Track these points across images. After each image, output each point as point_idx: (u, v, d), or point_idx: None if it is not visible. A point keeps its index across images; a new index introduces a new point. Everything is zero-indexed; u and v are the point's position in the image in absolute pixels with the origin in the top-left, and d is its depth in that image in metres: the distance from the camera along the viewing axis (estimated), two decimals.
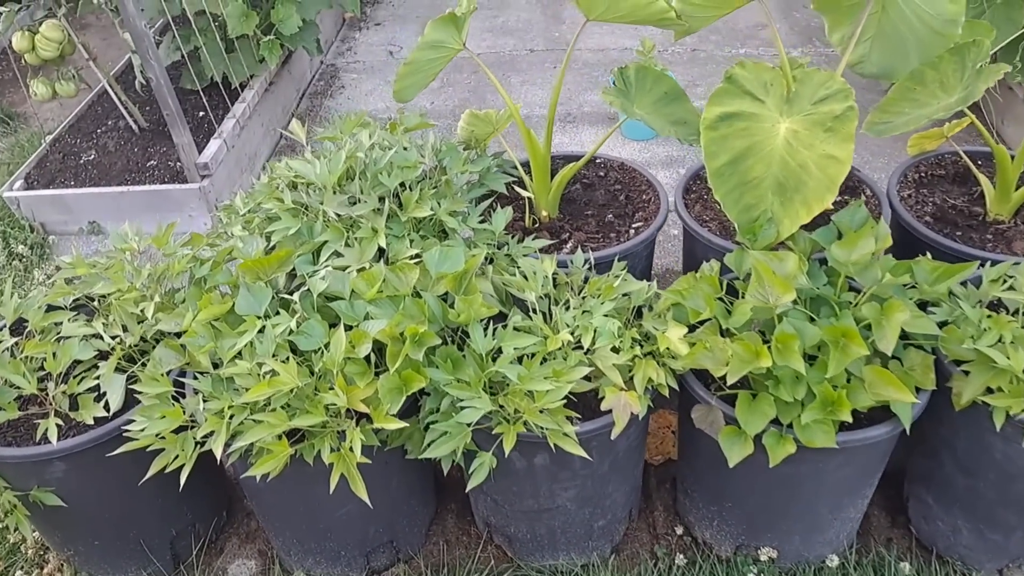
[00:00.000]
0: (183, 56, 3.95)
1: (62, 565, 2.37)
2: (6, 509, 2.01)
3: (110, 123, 4.06)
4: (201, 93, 3.98)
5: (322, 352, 1.86)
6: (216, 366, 1.96)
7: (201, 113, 4.02)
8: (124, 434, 1.90)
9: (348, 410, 1.84)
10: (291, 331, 1.89)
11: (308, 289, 1.99)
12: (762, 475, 1.95)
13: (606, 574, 2.27)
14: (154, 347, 2.14)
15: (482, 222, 2.31)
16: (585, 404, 2.01)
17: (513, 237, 2.34)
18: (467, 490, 2.03)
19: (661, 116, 2.36)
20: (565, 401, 1.84)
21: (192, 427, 1.89)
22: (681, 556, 2.30)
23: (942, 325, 1.99)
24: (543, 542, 2.23)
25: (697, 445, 2.13)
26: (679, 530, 2.38)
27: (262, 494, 2.09)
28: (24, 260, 3.51)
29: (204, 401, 1.87)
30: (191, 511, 2.31)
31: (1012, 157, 2.37)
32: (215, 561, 2.40)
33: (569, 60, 2.36)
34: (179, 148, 3.42)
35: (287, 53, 4.40)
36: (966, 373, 1.89)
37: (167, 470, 1.85)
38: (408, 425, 1.86)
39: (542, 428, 1.83)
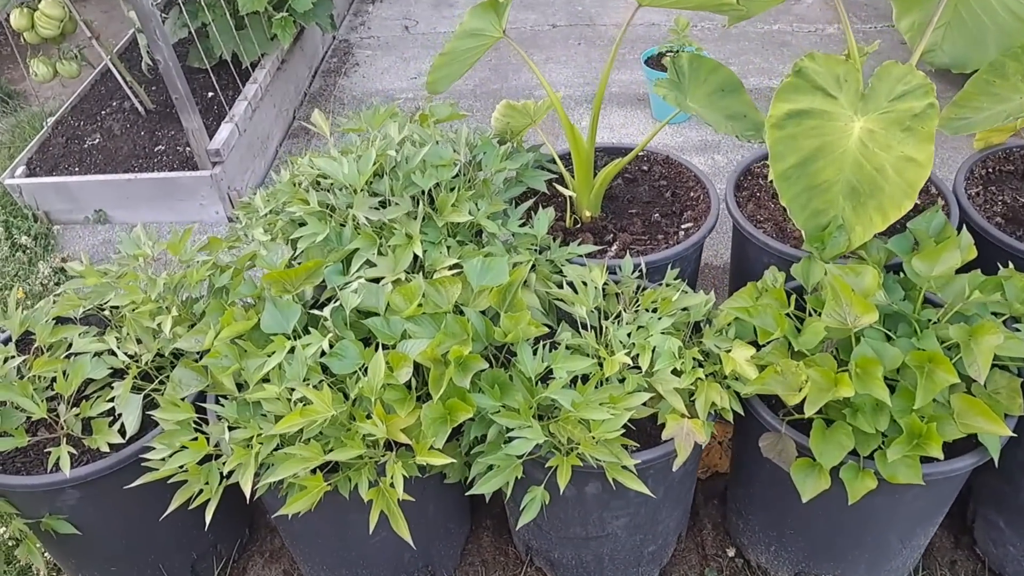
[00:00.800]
0: (191, 33, 3.75)
1: None
2: (16, 538, 1.86)
3: (115, 104, 3.87)
4: (211, 72, 3.78)
5: (358, 376, 1.70)
6: (241, 387, 1.81)
7: (211, 94, 3.83)
8: (142, 462, 1.74)
9: (387, 440, 1.69)
10: (323, 352, 1.73)
11: (340, 304, 1.82)
12: (830, 505, 1.80)
13: None
14: (172, 363, 1.99)
15: (522, 224, 2.15)
16: (640, 427, 1.86)
17: (554, 240, 2.17)
18: (517, 528, 1.88)
19: (717, 110, 2.18)
20: (623, 431, 1.69)
21: (217, 457, 1.73)
22: None
23: None
24: (589, 568, 2.08)
25: (756, 468, 1.98)
26: (731, 552, 2.24)
27: (291, 522, 1.94)
28: (28, 252, 3.34)
29: (229, 429, 1.71)
30: (212, 533, 2.16)
31: None
32: None
33: (617, 46, 2.17)
34: (189, 134, 3.24)
35: (299, 29, 4.19)
36: None
37: (191, 506, 1.70)
38: (454, 461, 1.70)
39: (599, 460, 1.68)
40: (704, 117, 2.14)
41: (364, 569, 2.04)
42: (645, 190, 2.49)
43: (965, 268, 1.98)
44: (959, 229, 2.22)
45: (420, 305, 1.79)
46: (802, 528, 1.97)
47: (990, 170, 2.47)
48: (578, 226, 2.37)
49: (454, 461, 1.65)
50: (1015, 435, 1.69)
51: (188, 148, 3.48)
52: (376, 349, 1.73)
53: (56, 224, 3.52)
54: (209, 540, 2.17)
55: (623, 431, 1.69)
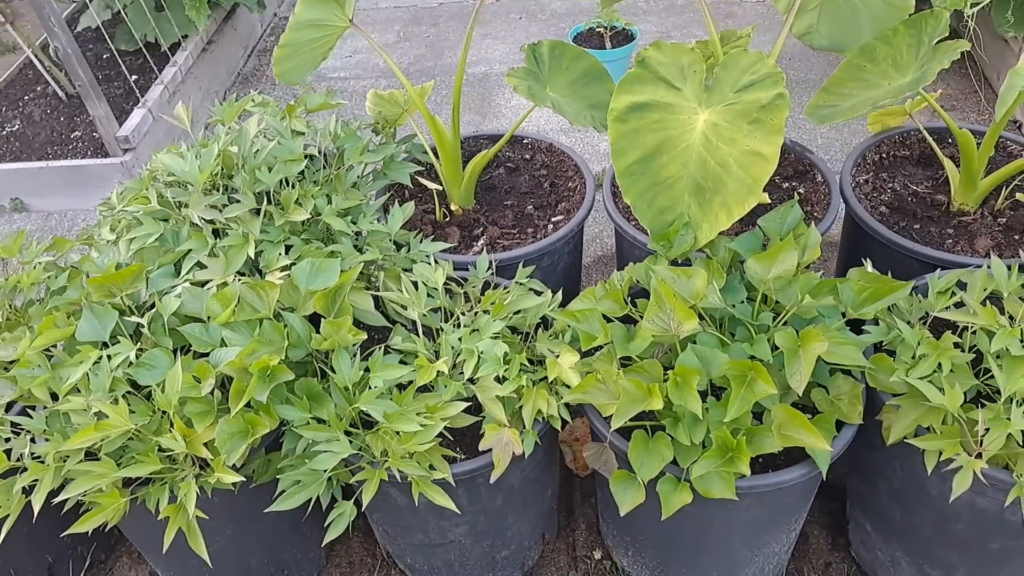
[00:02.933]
0: (119, 12, 3.68)
1: None
2: None
3: (39, 89, 3.82)
4: (118, 58, 3.71)
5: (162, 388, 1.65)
6: (56, 397, 1.76)
7: (135, 77, 3.77)
8: None
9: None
10: (131, 362, 1.68)
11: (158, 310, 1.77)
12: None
13: None
14: (6, 370, 1.95)
15: (381, 220, 2.08)
16: (474, 434, 1.80)
17: (418, 234, 2.10)
18: (322, 544, 1.83)
19: (579, 99, 2.09)
20: (440, 440, 1.63)
21: (23, 471, 1.69)
22: None
23: (877, 347, 1.76)
24: (441, 573, 2.04)
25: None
26: (598, 554, 2.19)
27: (126, 527, 1.91)
28: None
29: (32, 442, 1.67)
30: (69, 535, 2.14)
31: (978, 143, 2.09)
32: None
33: (474, 21, 2.08)
34: (96, 121, 3.19)
35: (231, 7, 4.11)
36: (899, 405, 1.65)
37: None
38: (242, 479, 1.63)
39: (406, 475, 1.62)
40: (561, 108, 2.05)
41: (212, 574, 2.01)
42: (525, 180, 2.41)
43: (848, 259, 1.89)
44: (833, 221, 2.14)
45: (235, 311, 1.73)
46: (648, 533, 1.92)
47: (884, 155, 2.37)
48: (448, 219, 2.30)
49: (243, 479, 1.60)
50: (833, 451, 1.60)
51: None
52: (193, 358, 1.68)
53: None
54: (66, 542, 2.14)
55: (439, 441, 1.63)
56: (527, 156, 2.48)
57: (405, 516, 1.86)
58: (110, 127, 3.21)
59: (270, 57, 4.23)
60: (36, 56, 3.59)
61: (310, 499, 1.63)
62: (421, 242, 2.06)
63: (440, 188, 2.26)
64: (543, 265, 2.18)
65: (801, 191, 2.26)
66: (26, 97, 3.78)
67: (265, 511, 1.68)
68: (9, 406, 1.82)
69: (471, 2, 4.55)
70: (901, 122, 2.39)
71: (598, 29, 3.63)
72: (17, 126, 3.60)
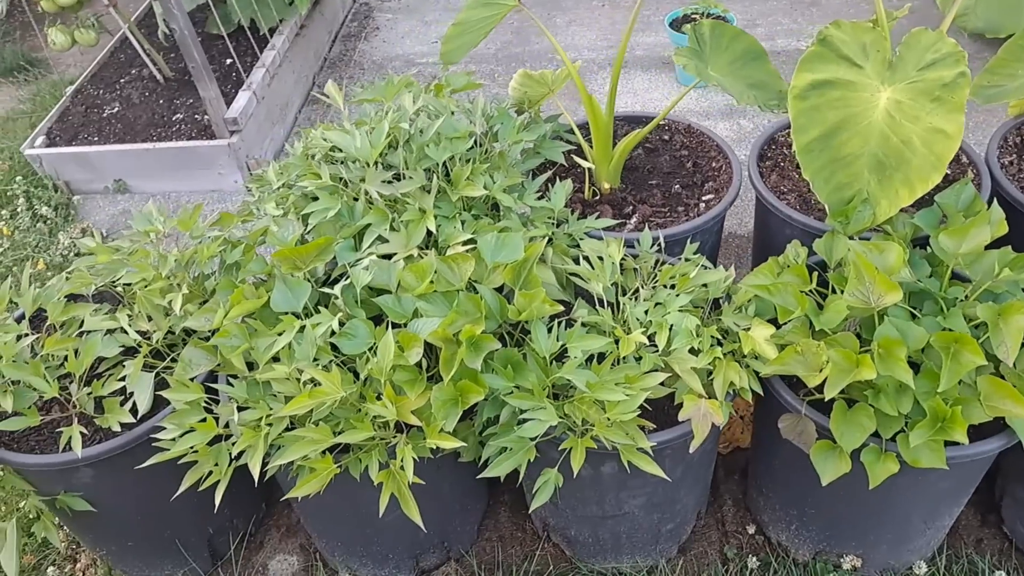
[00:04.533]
0: (208, 0, 3.71)
1: (95, 560, 2.25)
2: (32, 515, 1.87)
3: (134, 72, 3.85)
4: (227, 39, 3.74)
5: (367, 356, 1.68)
6: (251, 367, 1.79)
7: (228, 61, 3.79)
8: (153, 442, 1.74)
9: (398, 421, 1.67)
10: (333, 332, 1.70)
11: (350, 281, 1.79)
12: (852, 484, 1.76)
13: None
14: (184, 341, 1.98)
15: (540, 197, 2.10)
16: (656, 407, 1.83)
17: (572, 212, 2.12)
18: (530, 510, 1.86)
19: (739, 79, 2.11)
20: (639, 411, 1.66)
21: (227, 438, 1.72)
22: (754, 558, 2.13)
23: None
24: (606, 546, 2.06)
25: (776, 446, 1.93)
26: (751, 529, 2.21)
27: (304, 500, 1.93)
28: (49, 222, 3.34)
29: (239, 410, 1.70)
30: (229, 508, 2.17)
31: None
32: (255, 556, 2.27)
33: (638, 9, 2.10)
34: (206, 102, 3.21)
35: None
36: None
37: (201, 487, 1.69)
38: (465, 444, 1.67)
39: (614, 443, 1.65)
40: (725, 86, 2.07)
41: (379, 546, 2.04)
42: (666, 160, 2.43)
43: (998, 243, 1.91)
44: (991, 201, 2.16)
45: (432, 283, 1.75)
46: (823, 508, 1.94)
47: None
48: (597, 198, 2.32)
49: (465, 444, 1.63)
50: None
51: (206, 117, 3.45)
52: (387, 328, 1.70)
53: (76, 194, 3.52)
54: (225, 515, 2.18)
55: (639, 412, 1.66)
56: (665, 137, 2.50)
57: (585, 488, 1.88)
58: (219, 109, 3.24)
59: (355, 43, 4.27)
60: (135, 37, 3.61)
61: (519, 465, 1.66)
62: (578, 219, 2.09)
63: (590, 166, 2.28)
64: (694, 243, 2.20)
65: (948, 172, 2.28)
66: (122, 80, 3.80)
67: (478, 477, 1.70)
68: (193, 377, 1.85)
69: None
70: None
71: (694, 15, 3.65)
72: (117, 108, 3.63)
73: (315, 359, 1.69)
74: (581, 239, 2.00)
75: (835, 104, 1.85)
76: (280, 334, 1.72)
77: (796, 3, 4.20)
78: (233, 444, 1.69)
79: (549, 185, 2.27)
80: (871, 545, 1.97)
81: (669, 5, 4.22)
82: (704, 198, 2.26)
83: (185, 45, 3.06)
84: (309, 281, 1.84)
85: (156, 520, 2.04)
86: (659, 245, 2.01)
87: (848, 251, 1.77)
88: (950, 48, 1.81)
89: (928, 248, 1.85)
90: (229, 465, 1.69)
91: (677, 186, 2.32)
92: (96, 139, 3.48)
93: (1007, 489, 2.09)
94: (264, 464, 1.67)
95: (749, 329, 1.75)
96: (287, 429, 1.69)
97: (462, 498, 2.09)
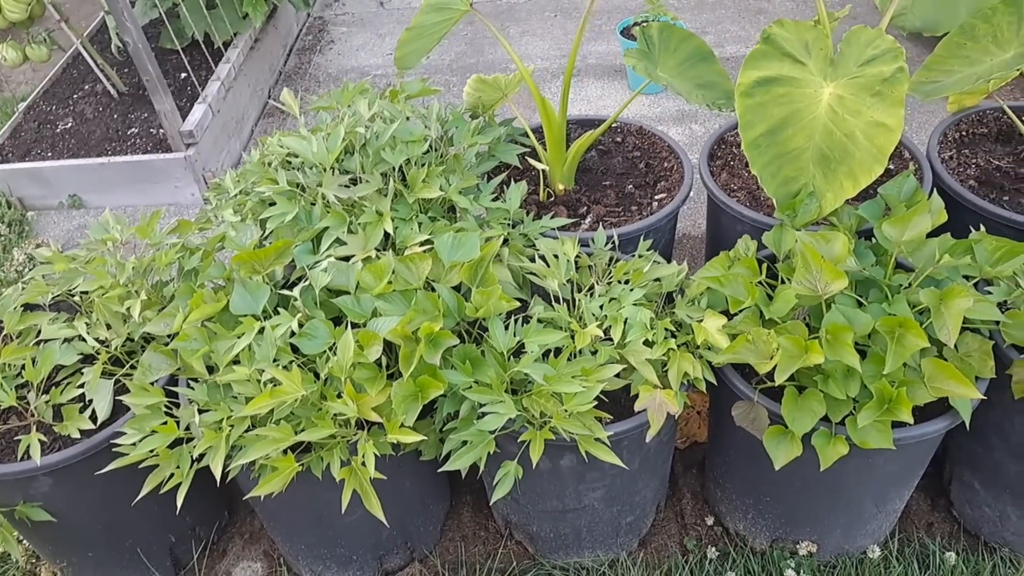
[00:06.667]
0: (161, 14, 3.70)
1: (56, 573, 2.23)
2: None
3: (87, 87, 3.83)
4: (182, 53, 3.74)
5: (328, 356, 1.69)
6: (211, 370, 1.80)
7: (183, 75, 3.78)
8: (114, 448, 1.73)
9: (359, 419, 1.68)
10: (293, 332, 1.72)
11: (309, 283, 1.81)
12: (804, 470, 1.81)
13: (634, 571, 2.14)
14: (143, 348, 1.98)
15: (495, 199, 2.13)
16: (613, 399, 1.86)
17: (528, 214, 2.16)
18: (491, 503, 1.88)
19: (688, 79, 2.17)
20: (596, 402, 1.69)
21: (188, 441, 1.72)
22: (713, 549, 2.16)
23: (1001, 307, 1.84)
24: (567, 540, 2.09)
25: (731, 437, 1.98)
26: (709, 520, 2.25)
27: (267, 502, 1.94)
28: (2, 238, 3.30)
29: (200, 412, 1.70)
30: (190, 515, 2.17)
31: None
32: (218, 564, 2.26)
33: (586, 18, 2.15)
34: (161, 116, 3.21)
35: (272, 7, 4.15)
36: None
37: (163, 490, 1.69)
38: (426, 438, 1.69)
39: (571, 433, 1.68)
40: (674, 87, 2.12)
41: (342, 547, 2.04)
42: (619, 162, 2.48)
43: (937, 232, 1.99)
44: (932, 192, 2.23)
45: (390, 282, 1.77)
46: (777, 494, 1.98)
47: (963, 133, 2.47)
48: (552, 199, 2.36)
49: (425, 439, 1.65)
50: (985, 397, 1.69)
51: (161, 130, 3.44)
52: (346, 328, 1.72)
53: (31, 210, 3.48)
54: (187, 523, 2.17)
55: (596, 403, 1.69)
56: (618, 140, 2.55)
57: (544, 482, 1.91)
58: (175, 122, 3.23)
59: (310, 56, 4.28)
60: (88, 53, 3.60)
61: (479, 458, 1.68)
62: (533, 220, 2.12)
63: (545, 168, 2.32)
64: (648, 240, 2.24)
65: (891, 167, 2.35)
66: (75, 95, 3.78)
67: (438, 471, 1.72)
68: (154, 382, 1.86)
69: (504, 2, 4.61)
70: (977, 101, 2.49)
71: (644, 23, 3.71)
72: (70, 123, 3.61)
73: (275, 360, 1.70)
74: (537, 239, 2.03)
75: (780, 100, 1.91)
76: (240, 336, 1.73)
77: (743, 11, 4.29)
78: (194, 446, 1.69)
79: (504, 187, 2.31)
80: (825, 530, 2.02)
81: (620, 14, 4.30)
82: (657, 197, 2.31)
83: (139, 58, 3.06)
84: (268, 284, 1.86)
85: (117, 529, 2.03)
86: (613, 243, 2.06)
87: (796, 242, 1.82)
88: (888, 44, 1.88)
89: (873, 239, 1.91)
90: (190, 467, 1.69)
91: (630, 186, 2.37)
92: (50, 155, 3.46)
93: (955, 472, 2.15)
94: (226, 465, 1.67)
95: (702, 321, 1.79)
96: (249, 430, 1.70)
97: (424, 498, 2.11)
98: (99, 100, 3.72)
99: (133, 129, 3.52)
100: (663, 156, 2.45)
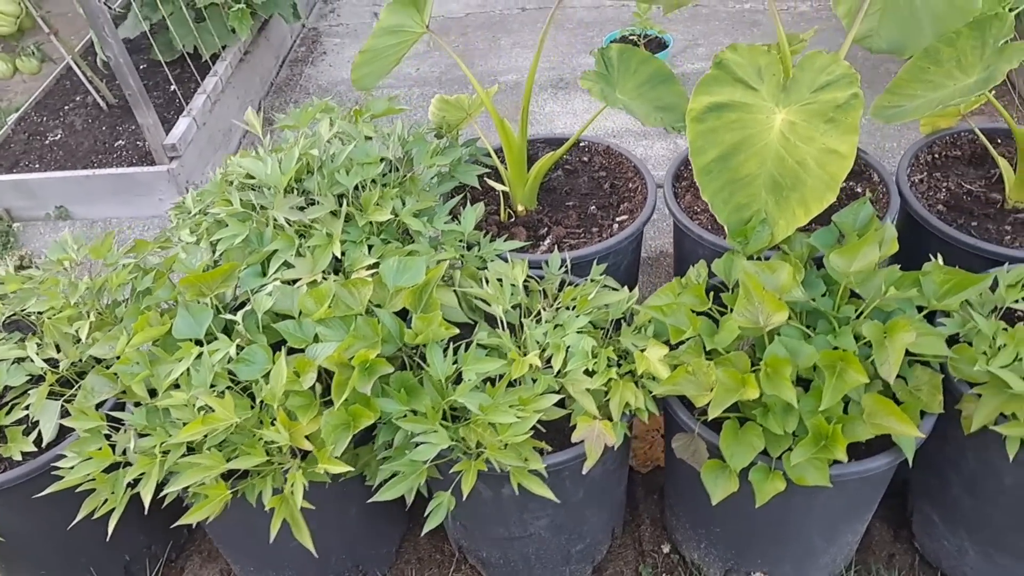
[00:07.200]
0: (145, 30, 3.72)
1: None
2: None
3: (78, 99, 3.86)
4: (166, 68, 3.75)
5: (262, 383, 1.69)
6: (155, 394, 1.80)
7: (173, 87, 3.80)
8: (53, 472, 1.74)
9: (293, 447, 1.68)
10: (231, 358, 1.71)
11: (252, 307, 1.81)
12: (747, 504, 1.78)
13: None
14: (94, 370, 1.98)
15: (454, 219, 2.12)
16: (558, 428, 1.84)
17: (486, 234, 2.14)
18: (422, 533, 1.87)
19: (646, 101, 2.15)
20: (532, 432, 1.67)
21: (127, 465, 1.73)
22: None
23: (952, 340, 1.80)
24: (517, 567, 2.07)
25: (679, 466, 1.95)
26: (666, 548, 2.22)
27: (211, 525, 1.93)
28: None
29: (141, 436, 1.70)
30: (145, 534, 2.17)
31: None
32: None
33: (545, 33, 2.14)
34: (144, 129, 3.23)
35: (264, 19, 4.16)
36: (979, 395, 1.70)
37: (96, 515, 1.69)
38: (352, 469, 1.68)
39: (504, 465, 1.66)
40: (631, 109, 2.10)
41: (291, 570, 2.04)
42: (584, 181, 2.46)
43: (905, 259, 1.94)
44: (894, 219, 2.20)
45: (330, 307, 1.77)
46: (725, 526, 1.96)
47: (936, 156, 2.43)
48: (512, 220, 2.34)
49: (351, 469, 1.64)
50: (924, 436, 1.65)
51: (148, 143, 3.46)
52: (286, 353, 1.72)
53: (17, 221, 3.52)
54: (142, 541, 2.17)
55: (532, 433, 1.67)
56: (584, 159, 2.53)
57: (488, 509, 1.89)
58: (158, 135, 3.25)
59: (302, 67, 4.29)
60: (78, 66, 3.63)
61: (410, 489, 1.67)
62: (491, 242, 2.11)
63: (505, 189, 2.31)
64: (608, 264, 2.22)
65: (859, 190, 2.32)
66: (66, 107, 3.81)
67: (368, 501, 1.71)
68: (100, 404, 1.86)
69: (496, 12, 4.61)
70: (951, 123, 2.45)
71: (631, 37, 3.69)
72: (59, 135, 3.64)
73: (213, 385, 1.70)
74: (491, 261, 2.02)
75: (732, 126, 1.89)
76: (180, 360, 1.73)
77: (738, 23, 4.25)
78: (130, 471, 1.69)
79: (464, 207, 2.29)
80: (775, 563, 1.99)
81: (613, 26, 4.27)
82: (618, 219, 2.29)
83: (121, 72, 3.08)
84: (219, 307, 1.86)
85: (69, 547, 2.03)
86: (566, 267, 2.04)
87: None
88: (844, 70, 1.85)
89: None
90: (125, 493, 1.69)
91: (593, 207, 2.35)
92: (37, 166, 3.49)
93: (915, 504, 2.12)
94: (160, 490, 1.67)
95: (645, 350, 1.77)
96: (188, 454, 1.69)
97: (374, 521, 2.09)
98: (89, 112, 3.75)
99: (120, 141, 3.55)
100: (628, 176, 2.43)
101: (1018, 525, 1.84)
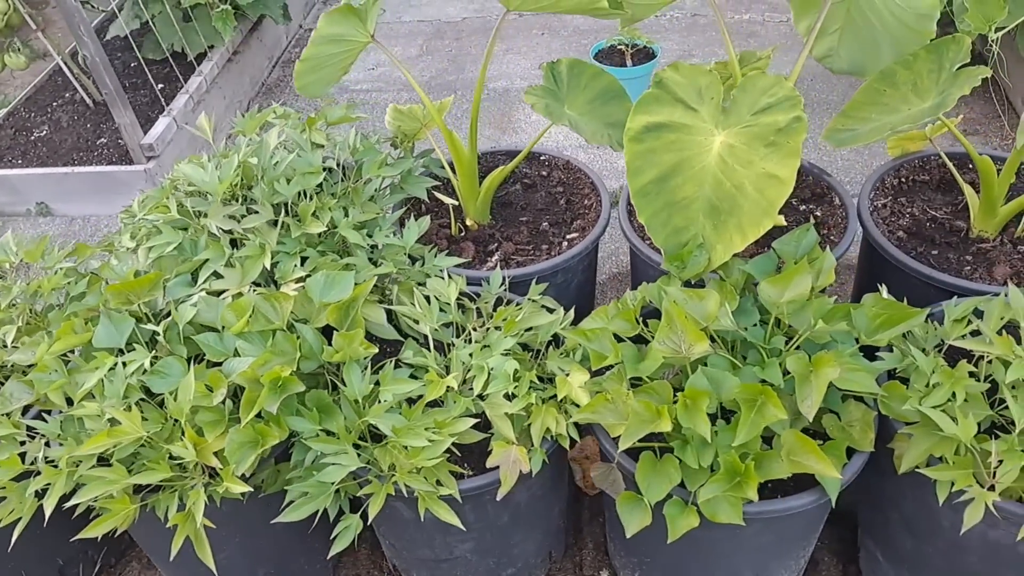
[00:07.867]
0: (148, 22, 3.72)
1: None
2: None
3: (67, 96, 3.88)
4: (154, 66, 3.76)
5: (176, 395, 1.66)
6: (73, 403, 1.78)
7: (162, 85, 3.81)
8: None
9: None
10: (145, 370, 1.69)
11: (174, 318, 1.78)
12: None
13: None
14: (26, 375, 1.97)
15: (396, 234, 2.09)
16: (483, 451, 1.80)
17: (432, 248, 2.11)
18: (328, 556, 1.84)
19: (596, 118, 2.10)
20: (447, 456, 1.64)
21: (37, 475, 1.71)
22: None
23: (891, 374, 1.74)
24: None
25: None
26: (604, 574, 2.17)
27: (136, 533, 1.92)
28: None
29: (47, 446, 1.69)
30: (80, 539, 2.15)
31: (998, 169, 2.08)
32: None
33: (492, 42, 2.10)
34: (122, 128, 3.23)
35: (255, 20, 4.15)
36: (911, 435, 1.64)
37: (2, 523, 1.68)
38: (251, 489, 1.65)
39: (412, 489, 1.63)
40: (578, 127, 2.06)
41: None
42: (541, 196, 2.41)
43: (871, 287, 1.87)
44: (863, 245, 2.13)
45: (249, 321, 1.74)
46: (655, 557, 1.91)
47: (903, 180, 2.36)
48: (463, 235, 2.31)
49: (251, 489, 1.61)
50: (841, 478, 1.59)
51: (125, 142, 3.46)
52: (206, 367, 1.69)
53: None
54: (76, 546, 2.16)
55: (446, 456, 1.64)
56: (544, 173, 2.49)
57: (411, 531, 1.86)
58: (135, 135, 3.25)
59: (293, 68, 4.27)
60: (66, 64, 3.64)
61: (317, 511, 1.64)
62: (436, 256, 2.07)
63: (456, 203, 2.27)
64: (557, 282, 2.18)
65: (818, 214, 2.25)
66: (54, 104, 3.83)
67: (272, 521, 1.68)
68: (26, 410, 1.85)
69: (494, 17, 4.57)
70: (921, 147, 2.38)
71: (619, 47, 3.64)
72: (45, 132, 3.65)
73: (125, 396, 1.68)
74: (430, 277, 1.98)
75: (670, 147, 1.84)
76: (95, 370, 1.72)
77: (735, 34, 4.18)
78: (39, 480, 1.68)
79: (412, 219, 2.26)
80: None
81: (607, 33, 4.22)
82: (569, 236, 2.24)
83: (97, 71, 3.08)
84: (142, 316, 1.84)
85: None
86: (506, 286, 2.00)
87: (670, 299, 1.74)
88: (787, 92, 1.79)
89: None
90: (32, 502, 1.68)
91: (546, 223, 2.30)
92: (20, 162, 3.51)
93: (863, 540, 2.05)
94: (68, 502, 1.65)
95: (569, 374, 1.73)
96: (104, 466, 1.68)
97: (306, 537, 2.06)
98: (76, 109, 3.77)
99: (103, 139, 3.55)
100: (585, 192, 2.38)
101: (957, 570, 1.77)
